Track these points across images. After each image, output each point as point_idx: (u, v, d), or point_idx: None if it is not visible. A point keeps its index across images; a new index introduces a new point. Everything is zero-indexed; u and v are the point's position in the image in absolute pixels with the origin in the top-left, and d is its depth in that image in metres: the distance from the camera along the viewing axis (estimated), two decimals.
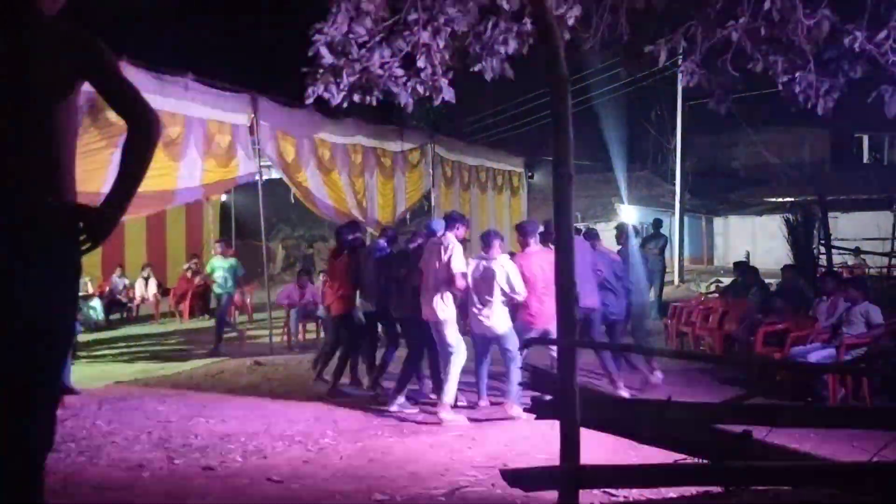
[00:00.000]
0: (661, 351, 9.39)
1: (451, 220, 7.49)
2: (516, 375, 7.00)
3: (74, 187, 2.50)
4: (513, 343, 7.17)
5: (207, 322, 15.39)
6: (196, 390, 8.35)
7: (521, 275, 7.26)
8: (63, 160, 2.45)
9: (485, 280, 7.16)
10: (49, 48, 2.38)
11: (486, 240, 7.38)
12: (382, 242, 8.40)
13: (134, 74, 8.14)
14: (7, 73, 2.32)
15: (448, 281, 7.07)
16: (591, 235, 8.63)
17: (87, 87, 2.55)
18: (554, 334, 7.25)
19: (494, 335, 7.21)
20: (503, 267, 7.17)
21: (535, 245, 7.60)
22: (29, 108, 2.34)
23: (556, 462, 3.17)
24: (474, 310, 7.22)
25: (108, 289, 15.32)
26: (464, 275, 7.12)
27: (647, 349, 8.46)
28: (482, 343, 7.37)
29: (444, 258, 7.11)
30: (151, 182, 9.36)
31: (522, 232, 7.77)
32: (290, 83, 7.51)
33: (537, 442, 5.80)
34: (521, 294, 7.19)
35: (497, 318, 7.18)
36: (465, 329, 7.53)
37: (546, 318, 7.28)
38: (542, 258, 7.40)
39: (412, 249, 7.83)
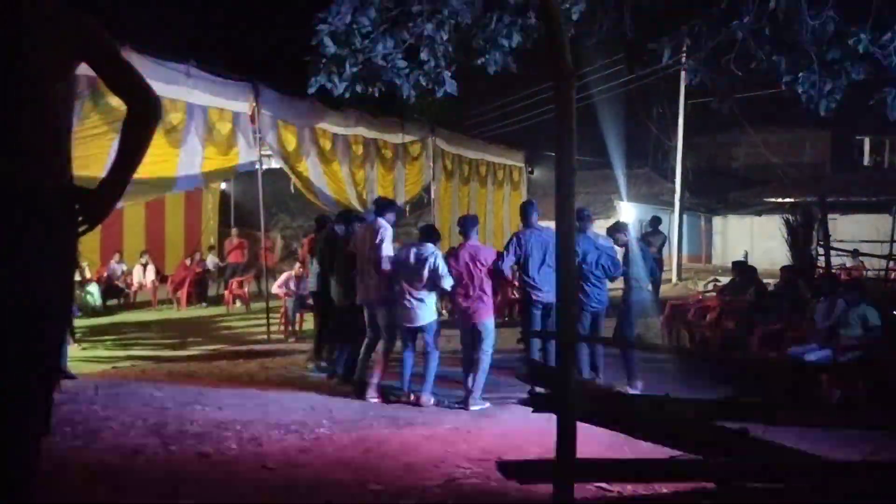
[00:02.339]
0: (659, 347, 9.38)
1: (382, 207, 7.83)
2: (433, 368, 7.28)
3: (71, 169, 2.49)
4: (434, 335, 7.36)
5: (205, 310, 15.42)
6: (192, 377, 8.35)
7: (450, 266, 7.37)
8: (60, 142, 2.44)
9: (415, 268, 7.24)
10: (47, 29, 2.36)
11: (421, 236, 7.61)
12: (335, 227, 8.64)
13: (136, 60, 8.11)
14: (4, 55, 2.30)
15: (374, 263, 7.32)
16: (580, 217, 8.20)
17: (89, 71, 2.54)
18: (488, 327, 7.41)
19: (420, 325, 7.32)
20: (433, 255, 7.28)
21: (473, 239, 7.64)
22: (26, 90, 2.33)
23: (551, 455, 3.18)
24: (403, 299, 7.31)
25: (105, 274, 15.31)
26: (389, 258, 7.33)
27: (645, 345, 8.43)
28: (408, 332, 7.48)
29: (376, 241, 7.36)
30: (151, 168, 9.38)
31: (462, 226, 7.85)
32: (292, 72, 7.53)
33: (532, 435, 5.81)
34: (447, 282, 7.26)
35: (424, 309, 7.29)
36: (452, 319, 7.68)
37: (470, 312, 7.40)
38: (472, 252, 7.48)
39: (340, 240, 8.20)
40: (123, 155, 2.54)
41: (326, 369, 8.49)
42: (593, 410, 3.41)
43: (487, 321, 7.45)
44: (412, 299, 7.26)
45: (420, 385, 7.36)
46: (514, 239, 7.75)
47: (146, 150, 2.59)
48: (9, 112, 2.30)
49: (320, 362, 8.75)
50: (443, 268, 7.23)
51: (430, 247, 7.36)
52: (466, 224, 7.78)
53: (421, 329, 7.37)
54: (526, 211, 8.01)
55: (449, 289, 7.34)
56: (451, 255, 7.69)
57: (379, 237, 7.38)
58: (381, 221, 7.56)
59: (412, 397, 7.31)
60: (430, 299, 7.36)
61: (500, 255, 7.69)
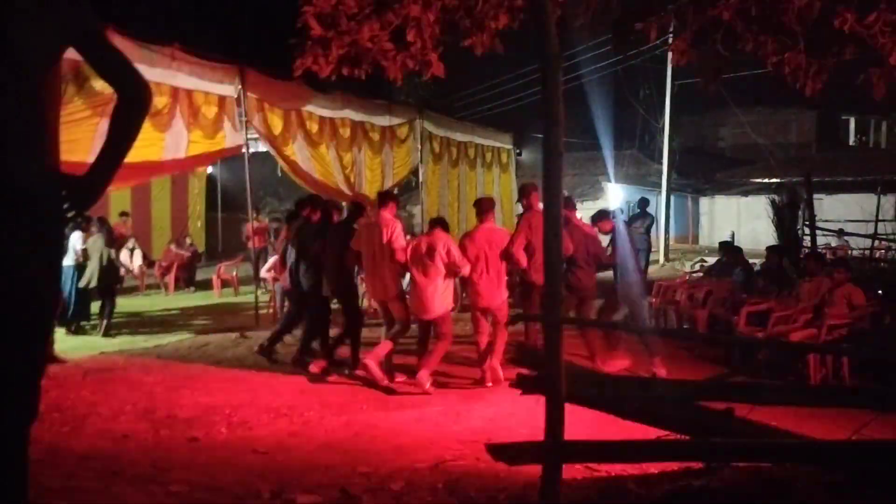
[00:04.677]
0: (646, 329, 9.43)
1: (384, 199, 7.88)
2: (439, 354, 7.30)
3: (58, 155, 2.47)
4: (447, 324, 7.42)
5: (193, 295, 15.36)
6: (181, 362, 8.35)
7: (464, 250, 7.41)
8: (47, 128, 2.41)
9: (427, 256, 7.29)
10: (35, 13, 2.33)
11: (431, 225, 7.74)
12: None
13: (119, 43, 8.01)
14: None
15: (390, 257, 7.37)
16: (567, 205, 8.46)
17: (71, 54, 2.51)
18: (498, 312, 7.46)
19: (433, 315, 7.36)
20: (443, 241, 7.32)
21: (489, 221, 7.73)
22: (13, 75, 2.30)
23: (540, 437, 3.19)
24: (417, 290, 7.36)
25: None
26: (403, 250, 7.37)
27: (633, 328, 8.48)
28: (423, 323, 7.53)
29: (386, 236, 7.38)
30: (137, 153, 9.19)
31: (478, 208, 7.92)
32: (278, 54, 7.47)
33: (521, 417, 5.85)
34: (462, 267, 7.30)
35: (438, 299, 7.33)
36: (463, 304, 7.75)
37: (486, 295, 7.45)
38: (488, 235, 7.54)
39: (315, 227, 8.21)
40: (113, 141, 2.51)
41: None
42: (581, 392, 3.43)
43: (502, 303, 7.52)
44: (425, 291, 7.28)
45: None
46: (524, 222, 7.70)
47: (136, 137, 2.57)
48: None
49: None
50: (458, 255, 7.28)
51: (441, 235, 7.40)
52: (483, 206, 7.82)
53: (434, 319, 7.41)
54: (527, 194, 8.00)
55: (467, 274, 7.38)
56: (468, 238, 7.71)
57: (392, 232, 7.41)
58: (386, 215, 7.57)
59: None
60: (444, 289, 7.38)
61: (511, 239, 7.69)
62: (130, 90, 2.52)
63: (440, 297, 7.33)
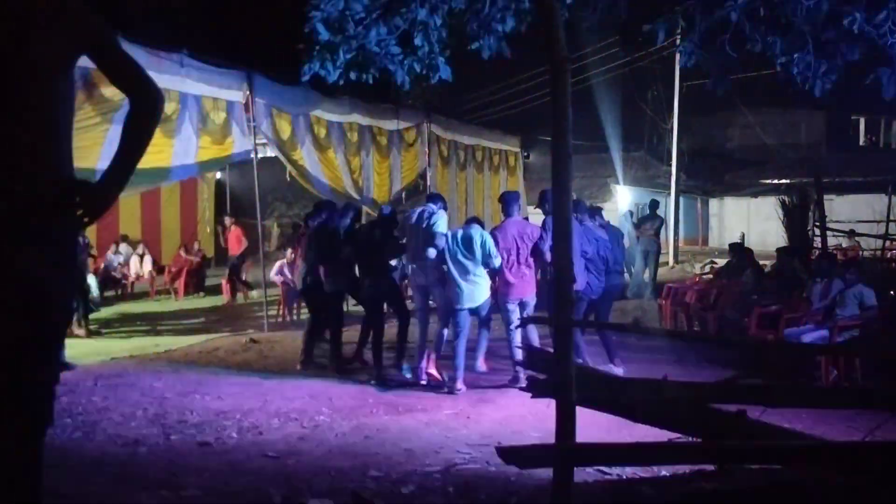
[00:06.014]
0: (655, 331, 9.42)
1: (431, 197, 8.29)
2: (485, 340, 7.68)
3: (72, 162, 2.49)
4: (488, 313, 7.66)
5: (202, 300, 15.40)
6: (191, 367, 8.36)
7: (497, 243, 7.48)
8: (61, 135, 2.43)
9: (462, 244, 7.37)
10: (49, 21, 2.35)
11: (467, 221, 8.02)
12: (340, 218, 8.69)
13: (128, 50, 8.04)
14: (6, 47, 2.29)
15: (430, 242, 7.46)
16: (579, 209, 8.48)
17: (81, 61, 2.52)
18: (530, 304, 7.51)
19: (467, 305, 7.43)
20: (479, 232, 7.43)
21: (516, 215, 7.82)
22: (28, 83, 2.32)
23: (551, 440, 3.19)
24: (457, 280, 7.38)
25: (102, 265, 15.26)
26: (444, 235, 7.46)
27: (643, 328, 8.46)
28: (462, 315, 7.49)
29: (430, 222, 7.51)
30: (146, 159, 9.17)
31: (504, 202, 8.00)
32: (286, 60, 7.51)
33: (532, 420, 5.85)
34: (497, 261, 7.37)
35: (477, 290, 7.39)
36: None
37: (519, 287, 7.53)
38: (518, 228, 7.62)
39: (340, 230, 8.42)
40: (125, 148, 2.53)
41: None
42: (592, 395, 3.42)
43: (530, 298, 7.60)
44: (464, 280, 7.35)
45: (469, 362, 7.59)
46: (548, 223, 7.70)
47: (148, 144, 2.59)
48: (9, 104, 2.29)
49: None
50: (492, 247, 7.36)
51: (476, 227, 7.53)
52: (508, 200, 7.89)
53: (474, 310, 7.50)
54: (546, 199, 8.04)
55: (498, 266, 7.45)
56: (498, 230, 7.78)
57: (433, 219, 7.53)
58: (431, 206, 7.76)
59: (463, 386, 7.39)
60: (483, 279, 7.45)
61: (542, 236, 7.68)
62: (143, 97, 2.54)
63: (479, 286, 7.39)
